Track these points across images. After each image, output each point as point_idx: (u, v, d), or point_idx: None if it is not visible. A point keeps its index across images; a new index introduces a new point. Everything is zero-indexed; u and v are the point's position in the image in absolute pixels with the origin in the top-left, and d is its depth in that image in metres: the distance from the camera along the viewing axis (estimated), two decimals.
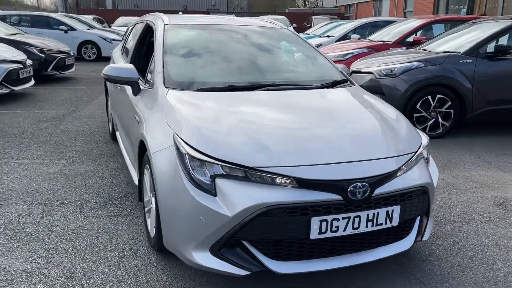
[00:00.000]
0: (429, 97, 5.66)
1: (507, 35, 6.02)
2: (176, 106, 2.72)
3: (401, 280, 2.60)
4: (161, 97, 2.88)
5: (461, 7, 13.40)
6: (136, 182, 3.33)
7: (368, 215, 2.30)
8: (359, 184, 2.25)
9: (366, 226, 2.31)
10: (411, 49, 6.86)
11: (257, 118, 2.64)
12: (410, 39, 8.31)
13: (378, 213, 2.32)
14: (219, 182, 2.24)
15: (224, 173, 2.26)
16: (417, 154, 2.59)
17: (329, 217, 2.22)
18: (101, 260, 2.73)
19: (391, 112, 2.97)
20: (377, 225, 2.34)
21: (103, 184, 3.92)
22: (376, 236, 2.40)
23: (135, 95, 3.27)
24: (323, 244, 2.29)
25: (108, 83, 4.93)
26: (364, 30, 11.84)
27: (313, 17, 22.17)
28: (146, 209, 3.00)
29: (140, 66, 4.06)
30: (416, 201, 2.47)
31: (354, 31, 11.17)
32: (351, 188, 2.23)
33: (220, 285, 2.51)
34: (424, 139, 2.82)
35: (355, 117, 2.80)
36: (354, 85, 3.41)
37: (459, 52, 5.82)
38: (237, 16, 23.53)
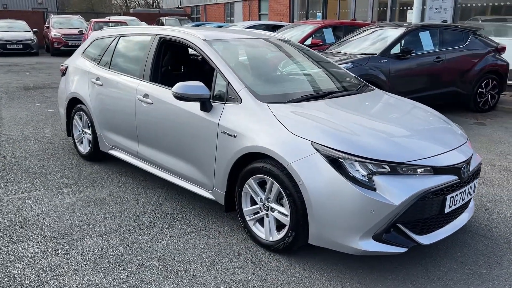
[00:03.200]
0: None
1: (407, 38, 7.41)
2: (294, 117, 3.00)
3: (471, 239, 3.39)
4: (264, 110, 3.09)
5: (317, 11, 15.31)
6: (211, 197, 3.44)
7: (468, 188, 3.01)
8: (465, 165, 2.93)
9: (466, 197, 3.02)
10: (327, 52, 7.85)
11: (364, 120, 3.09)
12: (308, 42, 9.38)
13: (470, 186, 3.05)
14: (375, 178, 2.67)
15: (374, 170, 2.69)
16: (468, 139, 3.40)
17: (454, 194, 2.86)
18: (241, 271, 2.86)
19: (427, 107, 3.74)
20: (470, 195, 3.07)
21: (144, 205, 3.81)
22: (464, 204, 3.13)
23: (208, 111, 3.35)
24: (446, 215, 2.92)
25: (89, 102, 4.62)
26: None
27: (163, 18, 22.13)
28: (250, 217, 3.19)
29: (164, 80, 4.03)
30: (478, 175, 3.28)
31: None
32: (462, 169, 2.90)
33: (352, 263, 2.92)
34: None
35: (421, 115, 3.47)
36: (374, 88, 4.07)
37: (376, 54, 7.00)
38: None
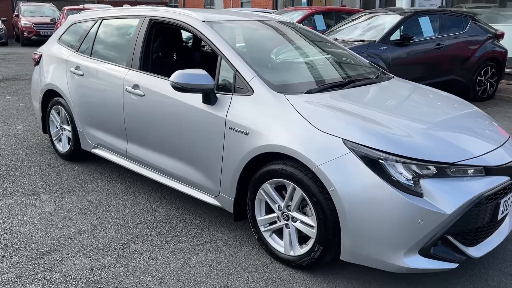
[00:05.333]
0: None
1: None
2: (319, 110, 2.54)
3: None
4: (282, 102, 2.62)
5: None
6: (217, 203, 2.97)
7: None
8: None
9: None
10: None
11: (399, 114, 2.65)
12: None
13: None
14: (421, 181, 2.24)
15: (419, 172, 2.27)
16: None
17: (506, 198, 2.46)
18: None
19: (459, 98, 3.34)
20: None
21: (137, 213, 3.31)
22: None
23: (212, 104, 2.86)
24: (497, 222, 2.52)
25: (68, 94, 4.06)
26: None
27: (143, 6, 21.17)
28: (265, 228, 2.74)
29: (155, 69, 3.52)
30: None
31: None
32: None
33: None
34: None
35: (457, 106, 3.06)
36: (393, 76, 3.65)
37: (375, 40, 6.59)
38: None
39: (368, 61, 3.81)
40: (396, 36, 6.72)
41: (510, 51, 8.19)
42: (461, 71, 7.31)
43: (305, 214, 2.56)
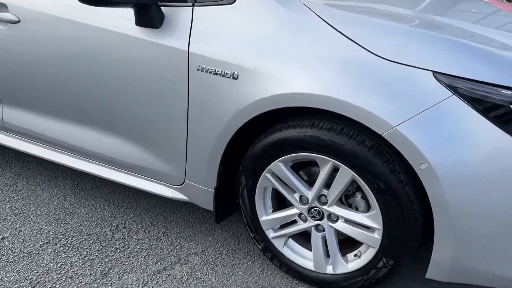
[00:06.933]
0: None
1: None
2: (373, 23, 1.40)
3: None
4: (298, 11, 1.43)
5: None
6: (181, 196, 1.81)
7: None
8: None
9: None
10: None
11: (478, 23, 1.63)
12: None
13: None
14: None
15: None
16: None
17: None
18: None
19: None
20: None
21: (41, 224, 2.00)
22: None
23: (157, 27, 1.58)
24: None
25: None
26: None
27: None
28: (276, 232, 1.65)
29: None
30: None
31: None
32: None
33: None
34: None
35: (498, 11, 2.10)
36: None
37: None
38: None
39: None
40: None
41: None
42: None
43: (350, 206, 1.51)
